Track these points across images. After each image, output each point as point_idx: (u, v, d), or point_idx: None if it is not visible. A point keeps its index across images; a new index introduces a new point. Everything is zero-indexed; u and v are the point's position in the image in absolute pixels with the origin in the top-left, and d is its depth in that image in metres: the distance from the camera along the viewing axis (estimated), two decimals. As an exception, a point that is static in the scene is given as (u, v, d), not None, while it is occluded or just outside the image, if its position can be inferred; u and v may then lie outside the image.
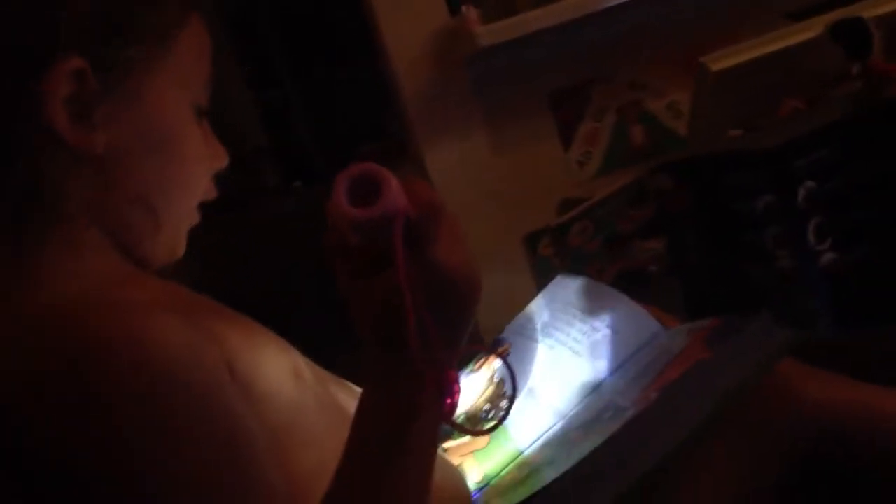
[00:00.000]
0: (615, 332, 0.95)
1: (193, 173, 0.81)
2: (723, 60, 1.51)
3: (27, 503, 0.67)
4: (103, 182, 0.75)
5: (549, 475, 0.74)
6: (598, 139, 1.89)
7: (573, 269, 1.57)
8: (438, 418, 0.65)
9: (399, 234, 0.60)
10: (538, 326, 1.00)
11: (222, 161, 0.85)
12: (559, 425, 0.91)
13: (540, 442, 0.89)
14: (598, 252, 1.57)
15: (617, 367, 0.93)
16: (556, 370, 0.95)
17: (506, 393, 0.91)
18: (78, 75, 0.73)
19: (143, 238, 0.79)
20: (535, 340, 0.99)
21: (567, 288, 1.03)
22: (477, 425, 0.92)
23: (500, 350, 1.02)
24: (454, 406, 0.65)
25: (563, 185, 1.85)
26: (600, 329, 0.95)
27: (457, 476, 0.87)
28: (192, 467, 0.64)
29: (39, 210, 0.74)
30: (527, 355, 0.99)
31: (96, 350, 0.64)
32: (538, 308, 1.03)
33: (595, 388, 0.93)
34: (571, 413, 0.92)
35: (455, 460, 0.91)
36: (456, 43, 1.79)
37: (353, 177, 0.61)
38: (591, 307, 0.97)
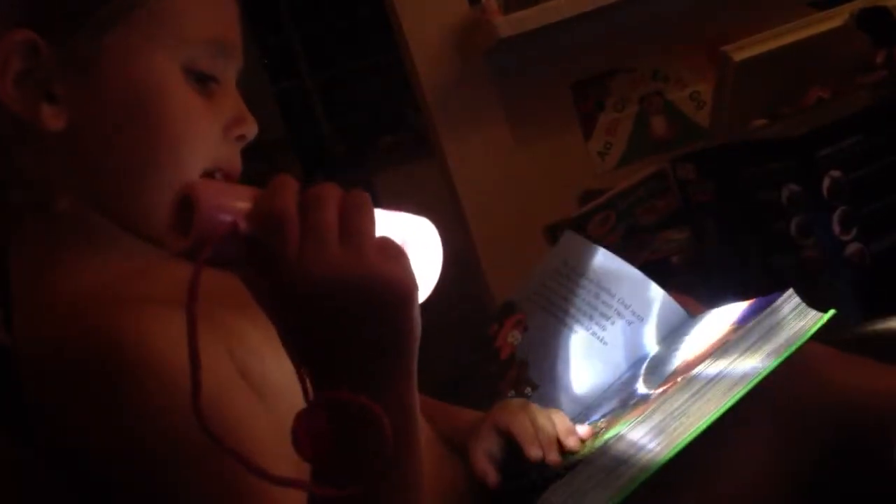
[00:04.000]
0: (640, 319, 0.94)
1: (184, 143, 0.72)
2: (746, 50, 1.49)
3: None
4: (80, 160, 0.71)
5: (571, 464, 0.74)
6: (619, 130, 1.89)
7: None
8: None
9: (196, 268, 0.54)
10: (552, 297, 0.98)
11: (243, 129, 0.76)
12: (582, 415, 0.91)
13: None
14: (619, 243, 1.56)
15: (642, 356, 0.93)
16: (581, 358, 0.94)
17: (530, 379, 0.90)
18: (29, 48, 0.69)
19: (138, 217, 0.73)
20: (553, 315, 0.97)
21: (581, 253, 1.00)
22: None
23: (516, 319, 0.99)
24: (310, 455, 0.56)
25: (585, 176, 1.84)
26: (625, 315, 0.94)
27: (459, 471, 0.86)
28: (190, 468, 0.64)
29: (28, 196, 0.72)
30: (546, 332, 0.97)
31: (96, 352, 0.65)
32: (551, 272, 1.00)
33: (619, 377, 0.93)
34: (594, 402, 0.92)
35: None
36: (476, 34, 1.79)
37: (178, 201, 0.56)
38: (615, 288, 0.95)
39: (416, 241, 0.63)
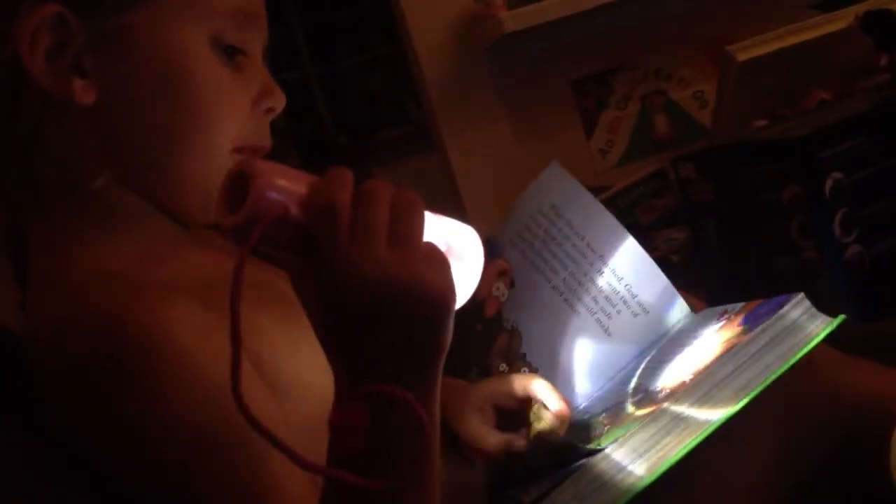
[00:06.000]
0: (646, 312, 0.93)
1: (212, 115, 0.72)
2: (750, 50, 1.49)
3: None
4: (109, 134, 0.71)
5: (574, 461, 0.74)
6: (621, 128, 1.89)
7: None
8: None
9: (243, 248, 0.53)
10: (544, 254, 0.94)
11: (272, 102, 0.76)
12: (582, 407, 0.91)
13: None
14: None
15: (646, 350, 0.92)
16: (585, 346, 0.93)
17: (524, 355, 0.87)
18: (57, 22, 0.68)
19: (165, 191, 0.73)
20: (546, 278, 0.94)
21: (579, 208, 0.95)
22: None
23: (499, 266, 0.95)
24: (345, 446, 0.56)
25: (586, 174, 1.84)
26: (631, 305, 0.93)
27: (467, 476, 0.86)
28: (193, 457, 0.64)
29: (55, 174, 0.71)
30: (541, 302, 0.93)
31: (109, 337, 0.65)
32: (538, 217, 0.95)
33: (621, 370, 0.92)
34: (596, 395, 0.91)
35: None
36: (480, 28, 1.78)
37: (232, 176, 0.55)
38: (622, 270, 0.92)
39: (460, 249, 0.63)
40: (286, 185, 0.55)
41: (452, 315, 0.59)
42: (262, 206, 0.53)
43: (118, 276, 0.69)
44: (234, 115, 0.74)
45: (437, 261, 0.58)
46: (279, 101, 0.77)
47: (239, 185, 0.54)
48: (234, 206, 0.54)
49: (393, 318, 0.56)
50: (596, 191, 1.63)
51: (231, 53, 0.74)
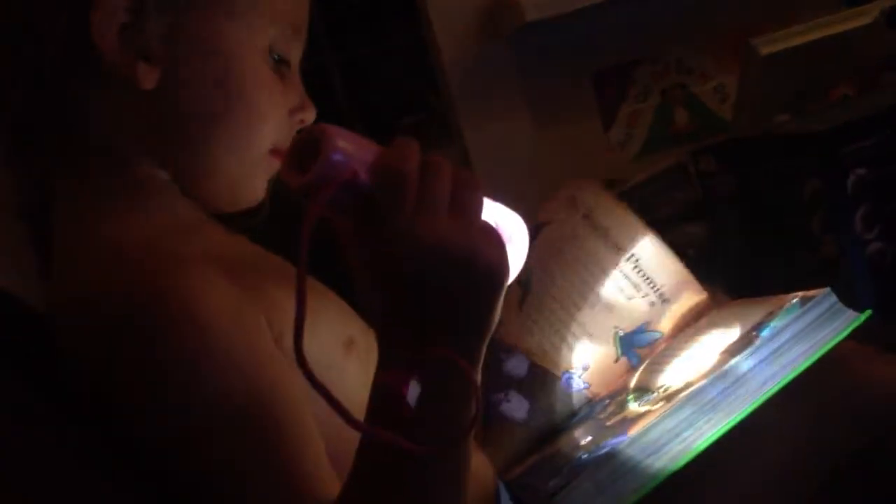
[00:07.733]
0: (662, 301, 0.93)
1: (259, 117, 0.78)
2: (773, 43, 1.48)
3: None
4: (157, 117, 0.75)
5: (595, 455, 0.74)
6: (640, 120, 1.88)
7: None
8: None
9: (314, 207, 0.54)
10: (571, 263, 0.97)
11: (306, 114, 0.82)
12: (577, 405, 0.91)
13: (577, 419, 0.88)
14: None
15: (654, 339, 0.92)
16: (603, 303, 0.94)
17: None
18: (137, 4, 0.71)
19: (198, 178, 0.78)
20: (566, 279, 0.96)
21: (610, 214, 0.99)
22: None
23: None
24: (403, 413, 0.56)
25: (604, 166, 1.83)
26: (649, 295, 0.93)
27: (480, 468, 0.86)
28: (224, 429, 0.65)
29: (95, 147, 0.74)
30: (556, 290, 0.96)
31: (140, 303, 0.66)
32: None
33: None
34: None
35: None
36: (501, 17, 1.77)
37: (302, 139, 0.57)
38: (645, 265, 0.94)
39: (509, 232, 0.65)
40: (355, 150, 0.56)
41: (504, 290, 0.60)
42: (332, 168, 0.55)
43: (148, 247, 0.72)
44: (275, 119, 0.78)
45: (493, 237, 0.60)
46: (311, 116, 0.82)
47: (308, 149, 0.56)
48: (303, 168, 0.55)
49: (449, 285, 0.57)
50: (613, 184, 1.63)
51: (279, 62, 0.79)
